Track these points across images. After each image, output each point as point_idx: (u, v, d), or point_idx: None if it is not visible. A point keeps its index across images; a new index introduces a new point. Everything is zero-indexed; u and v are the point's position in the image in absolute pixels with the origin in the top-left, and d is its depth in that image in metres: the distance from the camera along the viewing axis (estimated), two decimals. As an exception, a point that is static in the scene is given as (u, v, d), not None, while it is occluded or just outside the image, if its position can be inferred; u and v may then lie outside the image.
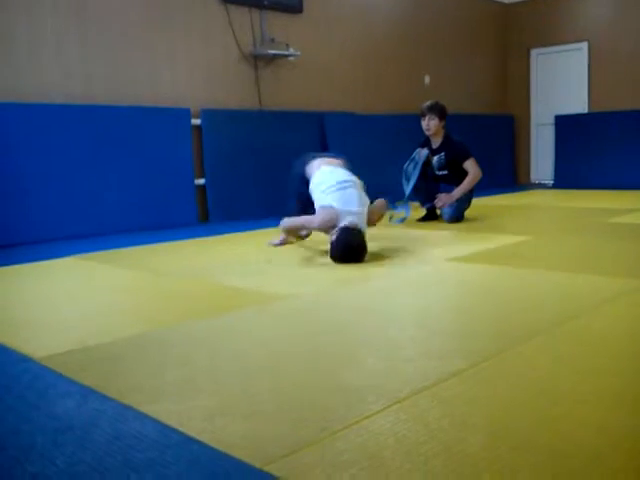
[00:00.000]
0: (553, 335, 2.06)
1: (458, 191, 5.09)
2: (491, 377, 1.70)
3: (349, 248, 3.39)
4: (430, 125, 5.16)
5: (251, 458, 1.29)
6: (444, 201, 5.12)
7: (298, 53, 6.62)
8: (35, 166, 4.90)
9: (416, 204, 5.41)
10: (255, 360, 1.93)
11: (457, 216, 5.14)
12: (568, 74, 9.28)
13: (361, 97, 7.55)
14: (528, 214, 5.87)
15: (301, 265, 3.49)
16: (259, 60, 6.49)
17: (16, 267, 3.73)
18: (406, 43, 8.15)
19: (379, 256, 3.58)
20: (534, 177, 9.83)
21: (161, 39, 5.73)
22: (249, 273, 3.28)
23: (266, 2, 6.37)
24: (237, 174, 6.09)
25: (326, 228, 3.50)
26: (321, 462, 1.26)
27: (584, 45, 9.04)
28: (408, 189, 5.21)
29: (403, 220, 5.19)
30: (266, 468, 1.25)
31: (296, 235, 4.13)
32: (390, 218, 5.24)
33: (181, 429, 1.43)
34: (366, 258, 3.46)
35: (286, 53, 6.52)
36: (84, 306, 2.74)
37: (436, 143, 5.23)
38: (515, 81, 9.87)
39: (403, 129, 7.15)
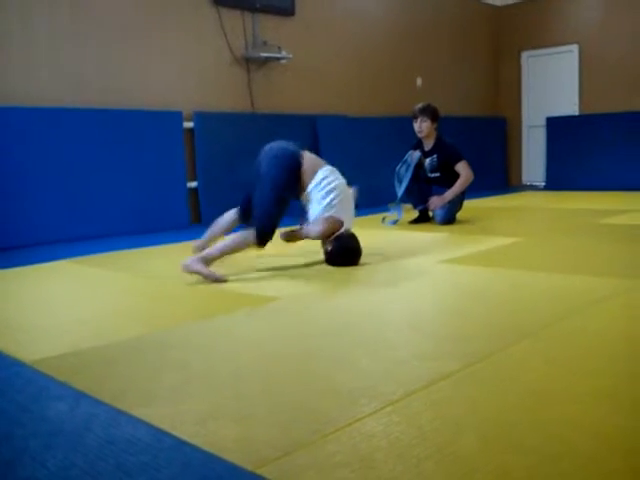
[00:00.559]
0: (546, 336, 2.07)
1: (450, 193, 5.11)
2: (484, 379, 1.70)
3: (348, 252, 3.42)
4: (422, 127, 5.17)
5: (244, 461, 1.28)
6: (436, 203, 5.14)
7: (290, 56, 6.63)
8: (25, 169, 4.87)
9: (408, 206, 5.42)
10: (248, 362, 1.93)
11: (449, 218, 5.16)
12: (559, 76, 9.32)
13: (353, 99, 7.56)
14: (520, 216, 5.89)
15: (295, 267, 3.49)
16: (251, 63, 6.49)
17: (9, 270, 3.71)
18: (398, 46, 8.17)
19: (372, 258, 3.58)
20: (526, 179, 9.87)
21: (153, 42, 5.72)
22: (242, 275, 3.28)
23: (258, 5, 6.37)
24: (229, 177, 6.09)
25: (323, 237, 3.48)
26: (313, 464, 1.26)
27: (575, 47, 9.09)
28: (400, 191, 5.22)
29: (395, 222, 5.20)
30: (259, 471, 1.25)
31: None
32: (383, 220, 5.25)
33: (174, 433, 1.43)
34: (360, 261, 3.48)
35: (278, 56, 6.53)
36: (78, 309, 2.73)
37: (428, 145, 5.25)
38: (507, 83, 9.91)
39: (395, 131, 7.17)
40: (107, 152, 5.35)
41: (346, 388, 1.66)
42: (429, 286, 2.97)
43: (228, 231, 3.63)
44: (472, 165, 5.22)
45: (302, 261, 3.64)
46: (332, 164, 3.60)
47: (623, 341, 2.02)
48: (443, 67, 8.89)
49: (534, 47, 9.56)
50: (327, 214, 3.36)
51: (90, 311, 2.70)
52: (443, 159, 5.18)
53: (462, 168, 5.15)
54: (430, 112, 5.17)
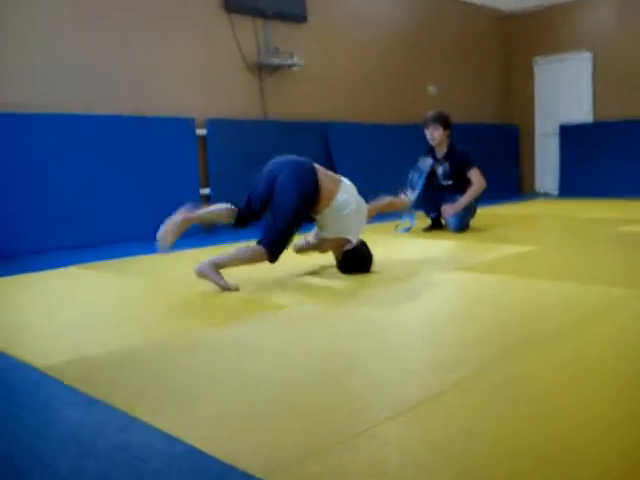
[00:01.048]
0: (558, 345, 2.05)
1: (462, 201, 5.09)
2: (496, 387, 1.69)
3: (360, 259, 3.43)
4: (435, 135, 5.16)
5: (256, 468, 1.28)
6: (449, 211, 5.12)
7: (302, 62, 6.64)
8: (39, 176, 4.91)
9: (421, 213, 5.40)
10: (260, 370, 1.92)
11: (462, 226, 5.13)
12: (572, 83, 9.27)
13: (365, 106, 7.56)
14: (534, 223, 5.86)
15: (307, 275, 3.48)
16: (263, 70, 6.51)
17: (20, 277, 3.72)
18: (409, 53, 8.17)
19: (385, 266, 3.57)
20: (539, 187, 9.81)
21: (165, 49, 5.75)
22: (254, 282, 3.28)
23: (270, 11, 6.39)
24: (242, 183, 6.08)
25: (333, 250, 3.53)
26: (327, 472, 1.25)
27: (588, 54, 9.04)
28: (413, 198, 5.20)
29: (408, 230, 5.18)
30: (271, 478, 1.24)
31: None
32: (396, 227, 5.24)
33: (186, 439, 1.42)
34: (372, 268, 3.47)
35: (290, 62, 6.54)
36: (88, 315, 2.74)
37: (441, 153, 5.23)
38: (519, 91, 9.86)
39: (407, 139, 7.15)
40: (120, 159, 5.37)
41: (360, 396, 1.65)
42: (442, 294, 2.96)
43: (221, 218, 3.58)
44: (484, 173, 5.20)
45: (314, 268, 3.64)
46: (343, 171, 3.60)
47: (636, 350, 2.00)
48: (455, 74, 8.87)
49: (546, 54, 9.51)
50: (338, 236, 3.38)
51: (101, 317, 2.70)
52: (455, 167, 5.16)
53: (474, 176, 5.13)
54: (442, 119, 5.16)
